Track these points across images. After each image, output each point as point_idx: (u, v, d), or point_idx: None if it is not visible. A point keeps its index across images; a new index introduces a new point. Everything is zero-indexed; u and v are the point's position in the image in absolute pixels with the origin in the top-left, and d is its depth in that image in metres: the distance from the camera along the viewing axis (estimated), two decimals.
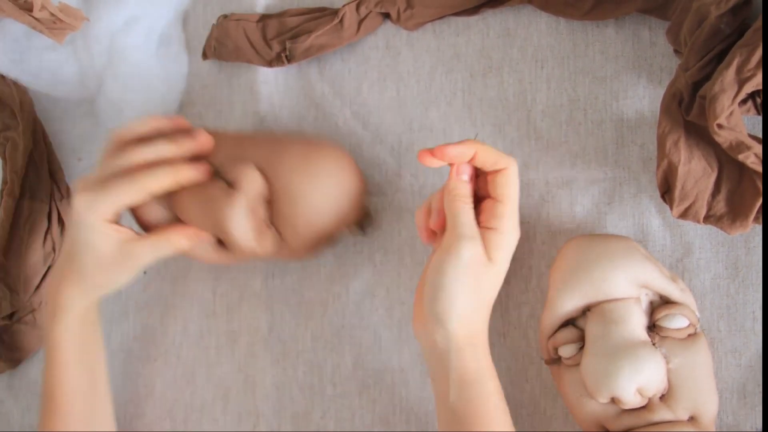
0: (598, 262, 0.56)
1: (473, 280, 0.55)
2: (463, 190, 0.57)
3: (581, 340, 0.57)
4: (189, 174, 0.63)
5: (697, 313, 0.57)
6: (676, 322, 0.56)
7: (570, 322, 0.58)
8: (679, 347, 0.56)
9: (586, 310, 0.57)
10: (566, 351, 0.58)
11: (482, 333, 0.57)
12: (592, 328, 0.56)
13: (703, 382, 0.56)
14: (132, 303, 0.82)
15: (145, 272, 0.82)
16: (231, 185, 0.62)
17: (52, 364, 0.66)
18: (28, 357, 0.86)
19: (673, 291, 0.57)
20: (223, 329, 0.77)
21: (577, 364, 0.57)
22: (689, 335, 0.56)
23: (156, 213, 0.66)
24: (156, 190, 0.62)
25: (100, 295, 0.67)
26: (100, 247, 0.62)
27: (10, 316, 0.81)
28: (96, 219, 0.61)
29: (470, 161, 0.57)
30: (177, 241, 0.64)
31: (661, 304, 0.57)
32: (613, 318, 0.55)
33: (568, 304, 0.57)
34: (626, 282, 0.56)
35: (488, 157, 0.57)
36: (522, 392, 0.65)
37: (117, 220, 0.63)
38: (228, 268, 0.77)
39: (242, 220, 0.62)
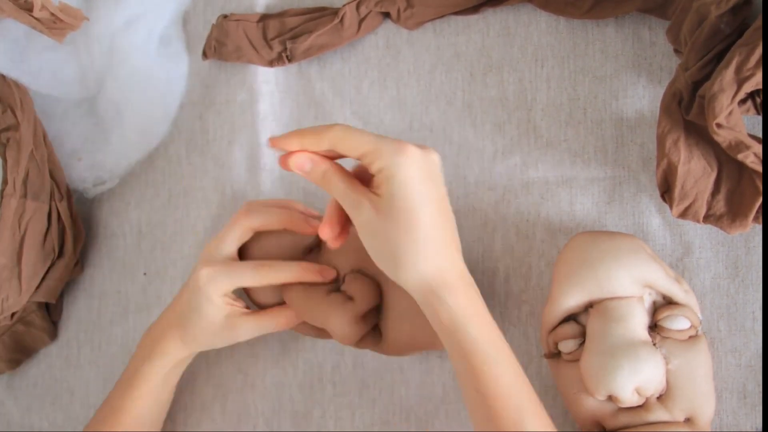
0: (603, 259, 0.56)
1: (382, 234, 0.53)
2: (320, 168, 0.56)
3: (582, 336, 0.57)
4: (313, 277, 0.65)
5: (699, 316, 0.57)
6: (677, 323, 0.56)
7: (572, 317, 0.58)
8: (680, 349, 0.56)
9: (588, 307, 0.57)
10: (566, 346, 0.57)
11: (451, 271, 0.54)
12: (593, 325, 0.56)
13: (701, 385, 0.55)
14: (132, 304, 0.82)
15: (145, 273, 0.82)
16: (348, 296, 0.64)
17: (131, 390, 0.69)
18: (28, 358, 0.86)
19: (676, 292, 0.57)
20: None
21: (577, 360, 0.57)
22: (690, 337, 0.56)
23: (266, 294, 0.69)
24: (276, 282, 0.66)
25: (197, 351, 0.71)
26: (211, 316, 0.66)
27: (11, 316, 0.81)
28: (214, 292, 0.65)
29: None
30: (279, 322, 0.67)
31: (663, 304, 0.57)
32: (615, 316, 0.55)
33: (571, 299, 0.57)
34: (630, 281, 0.56)
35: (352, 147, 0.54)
36: None
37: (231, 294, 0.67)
38: None
39: (347, 329, 0.63)
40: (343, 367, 0.71)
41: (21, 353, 0.84)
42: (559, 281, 0.58)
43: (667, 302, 0.57)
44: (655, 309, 0.57)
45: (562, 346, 0.58)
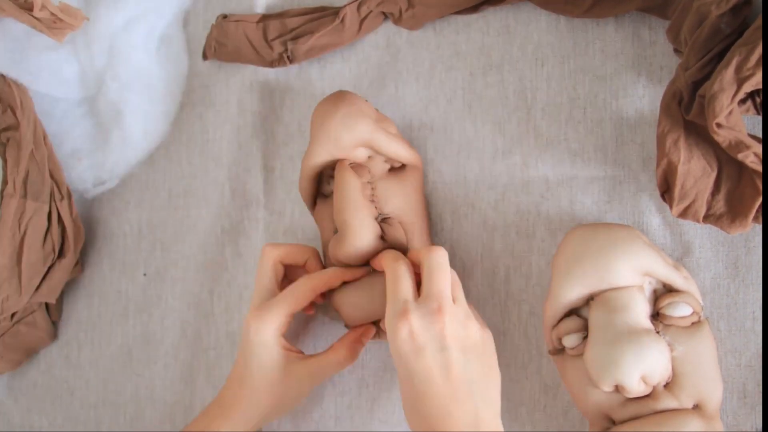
0: (601, 251, 0.56)
1: None
2: None
3: (585, 330, 0.57)
4: (354, 273, 0.64)
5: (700, 301, 0.57)
6: (679, 309, 0.56)
7: (573, 311, 0.58)
8: (683, 335, 0.55)
9: (589, 300, 0.57)
10: (570, 341, 0.57)
11: None
12: (595, 316, 0.56)
13: (707, 370, 0.55)
14: (132, 305, 0.82)
15: (145, 274, 0.82)
16: None
17: None
18: (28, 358, 0.86)
19: (676, 279, 0.56)
20: (223, 330, 0.77)
21: (581, 354, 0.57)
22: (693, 323, 0.56)
23: (354, 308, 0.66)
24: (317, 290, 0.64)
25: (271, 420, 0.66)
26: (269, 364, 0.62)
27: (11, 317, 0.81)
28: (265, 332, 0.62)
29: None
30: (339, 354, 0.65)
31: (664, 292, 0.57)
32: (616, 306, 0.55)
33: (572, 293, 0.57)
34: (629, 270, 0.55)
35: None
36: (522, 389, 0.65)
37: (284, 334, 0.64)
38: (223, 266, 0.77)
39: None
40: None
41: (21, 353, 0.84)
42: (558, 276, 0.58)
43: (668, 290, 0.57)
44: (656, 297, 0.57)
45: (565, 341, 0.58)
